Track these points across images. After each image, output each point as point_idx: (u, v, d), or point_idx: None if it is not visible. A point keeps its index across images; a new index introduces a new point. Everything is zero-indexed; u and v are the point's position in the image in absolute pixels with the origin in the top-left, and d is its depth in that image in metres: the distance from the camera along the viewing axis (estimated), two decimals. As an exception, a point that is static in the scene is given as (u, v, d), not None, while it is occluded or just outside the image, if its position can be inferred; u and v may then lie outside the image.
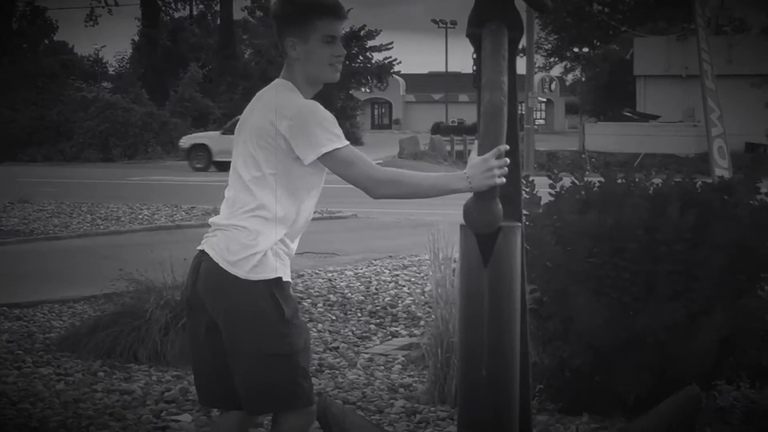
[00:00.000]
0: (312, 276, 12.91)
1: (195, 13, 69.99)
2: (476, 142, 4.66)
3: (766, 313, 7.01)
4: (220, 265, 4.35)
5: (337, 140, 4.35)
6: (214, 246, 4.41)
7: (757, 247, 6.95)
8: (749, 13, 54.98)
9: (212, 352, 4.46)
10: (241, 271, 4.31)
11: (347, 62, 66.11)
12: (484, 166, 4.29)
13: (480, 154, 4.55)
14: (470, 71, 5.18)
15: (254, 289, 4.32)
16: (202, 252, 4.46)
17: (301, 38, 4.44)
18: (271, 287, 4.34)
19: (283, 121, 4.33)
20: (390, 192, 4.38)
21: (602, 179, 7.32)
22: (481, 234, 4.76)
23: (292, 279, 4.66)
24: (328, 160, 4.33)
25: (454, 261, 6.15)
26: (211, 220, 4.58)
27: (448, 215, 5.02)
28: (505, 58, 4.85)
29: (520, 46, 5.28)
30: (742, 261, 6.91)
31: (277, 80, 4.55)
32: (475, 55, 5.08)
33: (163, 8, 66.80)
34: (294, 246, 4.49)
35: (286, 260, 4.43)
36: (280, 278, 4.37)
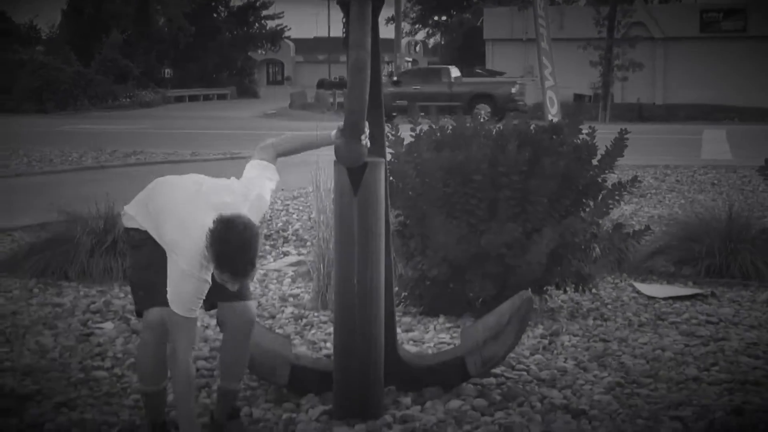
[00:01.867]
0: (217, 207, 12.76)
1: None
2: (346, 92, 4.68)
3: (585, 231, 7.12)
4: None
5: (185, 311, 4.19)
6: None
7: (579, 177, 7.05)
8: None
9: None
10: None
11: (245, 29, 65.58)
12: None
13: (347, 103, 4.58)
14: (346, 36, 5.14)
15: None
16: None
17: (209, 257, 4.12)
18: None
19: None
20: None
21: (454, 123, 7.37)
22: (351, 168, 4.78)
23: None
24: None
25: (331, 191, 6.16)
26: None
27: (329, 155, 5.00)
28: (369, 23, 4.83)
29: (389, 16, 5.25)
30: (567, 189, 7.00)
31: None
32: (344, 20, 5.05)
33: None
34: None
35: None
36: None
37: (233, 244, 4.00)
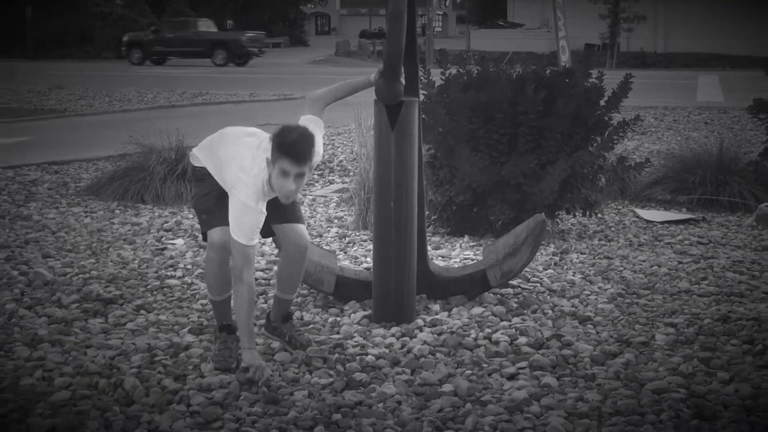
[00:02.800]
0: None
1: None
2: (385, 40, 4.64)
3: (593, 163, 7.08)
4: None
5: (244, 238, 4.13)
6: None
7: (588, 116, 6.99)
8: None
9: None
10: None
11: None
12: None
13: (386, 46, 4.55)
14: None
15: None
16: None
17: (270, 159, 4.09)
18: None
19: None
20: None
21: (479, 68, 7.31)
22: (389, 105, 4.76)
23: None
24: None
25: (371, 127, 6.14)
26: None
27: (368, 96, 4.98)
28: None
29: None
30: (577, 126, 6.95)
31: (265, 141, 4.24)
32: (383, -25, 5.00)
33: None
34: None
35: None
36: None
37: (292, 135, 4.04)
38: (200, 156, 4.48)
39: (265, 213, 4.19)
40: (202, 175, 4.46)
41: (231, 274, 4.32)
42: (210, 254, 4.43)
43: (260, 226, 4.21)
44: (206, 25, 42.58)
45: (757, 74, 16.84)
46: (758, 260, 6.44)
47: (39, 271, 5.90)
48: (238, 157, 4.24)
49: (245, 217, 4.13)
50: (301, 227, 4.54)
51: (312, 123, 4.42)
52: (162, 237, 7.12)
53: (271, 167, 4.09)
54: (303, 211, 8.05)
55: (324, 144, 10.79)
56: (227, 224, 4.22)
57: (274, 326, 4.70)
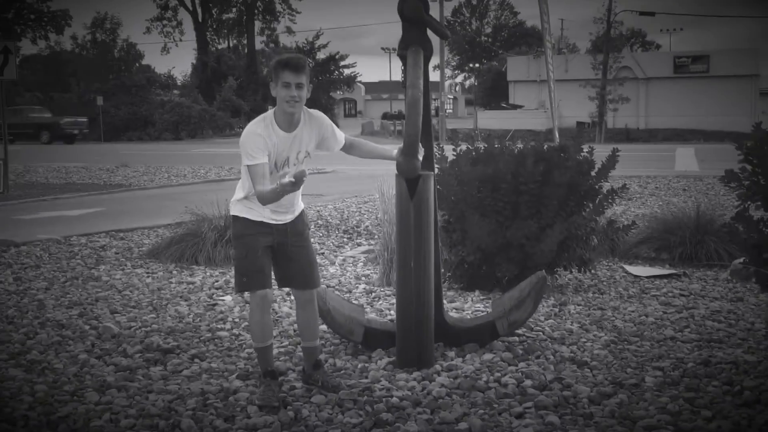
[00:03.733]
0: (307, 208, 12.84)
1: (231, 45, 68.72)
2: (404, 121, 4.68)
3: (586, 226, 7.06)
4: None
5: (247, 159, 4.26)
6: None
7: (581, 185, 6.98)
8: (578, 39, 54.89)
9: None
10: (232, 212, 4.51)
11: (328, 75, 65.80)
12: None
13: (406, 129, 4.60)
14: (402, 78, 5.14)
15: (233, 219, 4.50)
16: None
17: (274, 82, 4.32)
18: (237, 220, 4.47)
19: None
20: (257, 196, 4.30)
21: (486, 145, 7.34)
22: (408, 179, 4.78)
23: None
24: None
25: (393, 197, 6.17)
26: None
27: (390, 169, 5.00)
28: (422, 68, 4.83)
29: (435, 64, 5.26)
30: (571, 194, 6.94)
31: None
32: (402, 68, 5.06)
33: (210, 43, 65.63)
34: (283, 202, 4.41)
35: (253, 208, 4.43)
36: (235, 215, 4.49)
37: (289, 54, 4.36)
38: (235, 197, 4.52)
39: (266, 161, 4.27)
40: (240, 233, 4.45)
41: (271, 323, 4.34)
42: (252, 306, 4.44)
43: (263, 150, 4.27)
44: (39, 111, 45.67)
45: (727, 147, 16.83)
46: (734, 310, 6.36)
47: (107, 326, 5.91)
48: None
49: (253, 174, 4.25)
50: (311, 291, 4.60)
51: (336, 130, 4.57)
52: (213, 294, 7.12)
53: (275, 88, 4.28)
54: (336, 269, 8.07)
55: (353, 212, 10.74)
56: (264, 287, 4.29)
57: (308, 375, 4.67)
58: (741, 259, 7.43)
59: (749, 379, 4.56)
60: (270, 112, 4.42)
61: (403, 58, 4.94)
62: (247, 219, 4.44)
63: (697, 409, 4.20)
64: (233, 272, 4.53)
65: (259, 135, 4.27)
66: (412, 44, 4.89)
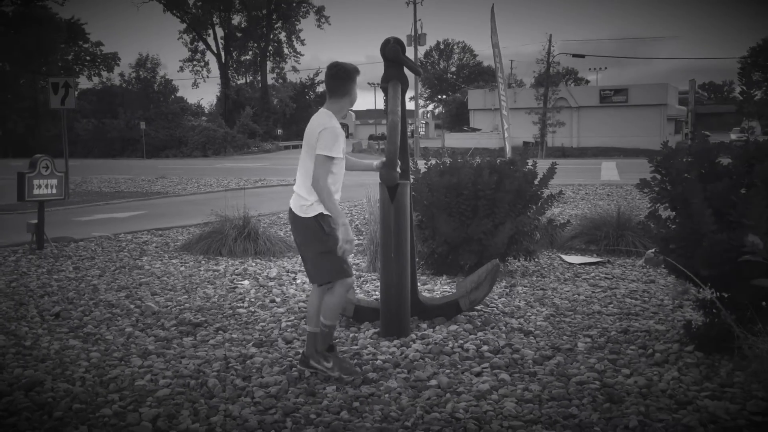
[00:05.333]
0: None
1: (248, 81, 68.49)
2: (386, 141, 4.67)
3: (530, 224, 7.07)
4: (294, 211, 4.07)
5: (326, 150, 3.87)
6: (291, 202, 4.13)
7: (526, 191, 6.99)
8: (524, 76, 55.07)
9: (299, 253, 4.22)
10: (302, 214, 4.02)
11: (321, 106, 65.51)
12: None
13: (387, 147, 4.56)
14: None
15: (308, 221, 4.01)
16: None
17: (349, 86, 4.06)
18: (318, 219, 3.99)
19: (319, 130, 3.92)
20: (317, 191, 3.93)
21: (451, 160, 7.35)
22: (389, 186, 4.77)
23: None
24: (318, 158, 3.90)
25: (377, 201, 6.17)
26: (295, 186, 4.13)
27: (374, 180, 4.98)
28: (399, 99, 4.82)
29: (411, 96, 5.24)
30: (519, 198, 6.96)
31: (321, 109, 4.05)
32: (384, 98, 5.05)
33: (231, 79, 65.38)
34: (337, 196, 4.02)
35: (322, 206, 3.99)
36: (321, 213, 4.00)
37: (347, 65, 4.11)
38: (302, 187, 4.03)
39: (342, 156, 3.98)
40: (332, 228, 3.96)
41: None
42: (342, 290, 4.04)
43: (342, 167, 4.01)
44: None
45: (642, 161, 16.92)
46: (647, 290, 6.39)
47: (148, 305, 5.87)
48: (316, 126, 3.94)
49: (333, 166, 3.93)
50: (322, 287, 4.17)
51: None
52: (233, 279, 7.08)
53: (351, 93, 4.06)
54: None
55: (345, 213, 10.57)
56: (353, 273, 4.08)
57: (305, 357, 4.24)
58: (653, 250, 7.52)
59: (659, 344, 4.59)
60: (328, 112, 4.00)
61: (385, 90, 4.94)
62: (326, 215, 4.00)
63: (618, 368, 4.22)
64: (322, 264, 3.97)
65: (342, 133, 3.98)
66: (392, 79, 4.88)
